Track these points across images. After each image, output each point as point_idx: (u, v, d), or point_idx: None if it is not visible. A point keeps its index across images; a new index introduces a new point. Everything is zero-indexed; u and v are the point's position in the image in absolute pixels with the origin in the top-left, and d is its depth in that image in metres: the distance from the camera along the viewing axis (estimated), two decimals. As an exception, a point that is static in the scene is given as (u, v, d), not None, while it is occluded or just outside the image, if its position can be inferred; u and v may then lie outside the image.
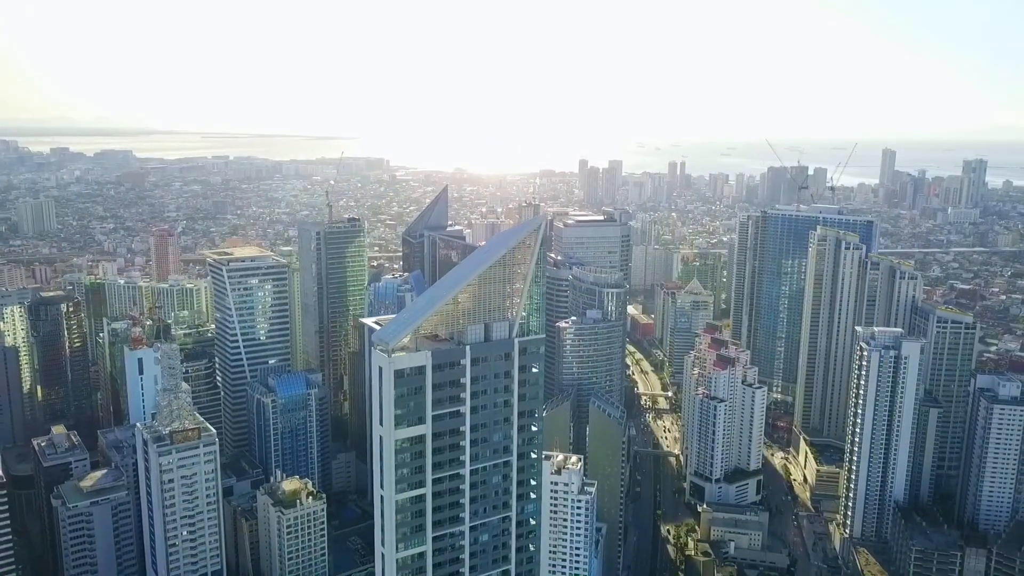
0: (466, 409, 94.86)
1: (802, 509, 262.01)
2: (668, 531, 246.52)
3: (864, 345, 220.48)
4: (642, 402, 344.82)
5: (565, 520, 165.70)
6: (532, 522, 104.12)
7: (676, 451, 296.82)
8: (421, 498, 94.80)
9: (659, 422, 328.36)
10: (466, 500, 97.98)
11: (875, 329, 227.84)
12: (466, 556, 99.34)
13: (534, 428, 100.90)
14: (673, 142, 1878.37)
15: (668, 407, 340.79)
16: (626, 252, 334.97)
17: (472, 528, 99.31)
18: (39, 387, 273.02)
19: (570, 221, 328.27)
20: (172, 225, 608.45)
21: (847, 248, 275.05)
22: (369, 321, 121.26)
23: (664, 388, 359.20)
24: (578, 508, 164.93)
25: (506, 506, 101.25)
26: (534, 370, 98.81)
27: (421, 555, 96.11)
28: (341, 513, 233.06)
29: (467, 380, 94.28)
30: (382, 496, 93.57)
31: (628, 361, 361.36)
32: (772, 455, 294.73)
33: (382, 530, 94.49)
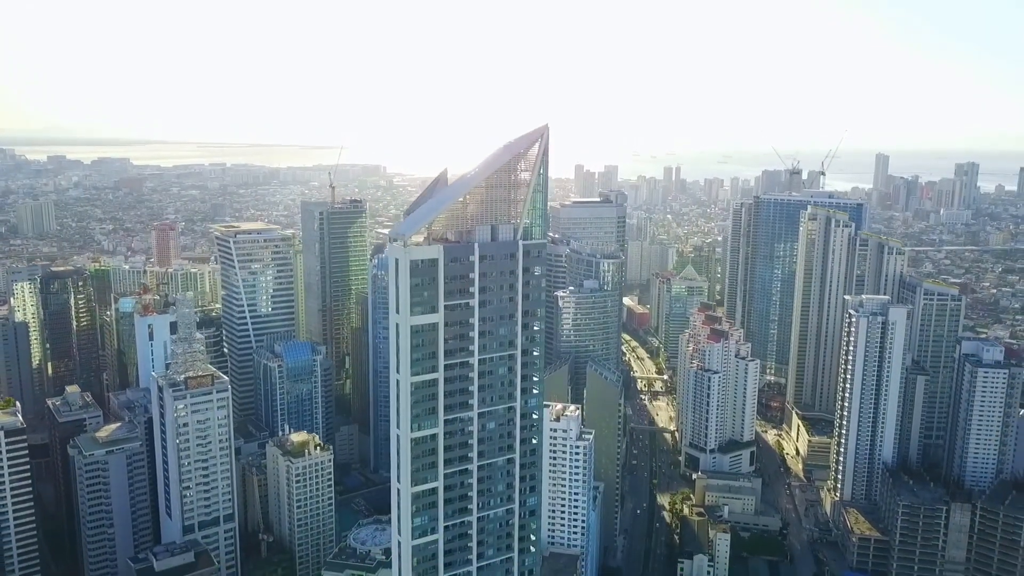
0: (475, 303, 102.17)
1: (794, 479, 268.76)
2: (664, 499, 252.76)
3: (853, 312, 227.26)
4: (638, 385, 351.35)
5: (564, 465, 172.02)
6: (535, 416, 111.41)
7: (671, 428, 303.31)
8: (434, 382, 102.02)
9: (655, 403, 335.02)
10: (475, 388, 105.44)
11: (863, 297, 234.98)
12: (474, 441, 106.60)
13: (535, 328, 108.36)
14: (669, 151, 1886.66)
15: (663, 390, 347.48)
16: (622, 232, 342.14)
17: (480, 415, 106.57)
18: (48, 363, 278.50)
19: (568, 202, 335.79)
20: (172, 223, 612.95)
21: (837, 226, 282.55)
22: (384, 230, 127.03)
23: (660, 372, 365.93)
24: (576, 453, 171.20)
25: (511, 397, 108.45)
26: (536, 272, 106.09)
27: (433, 436, 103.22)
28: (344, 481, 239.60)
29: (475, 276, 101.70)
30: (398, 380, 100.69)
31: (624, 348, 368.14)
32: (765, 432, 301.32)
33: (398, 412, 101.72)
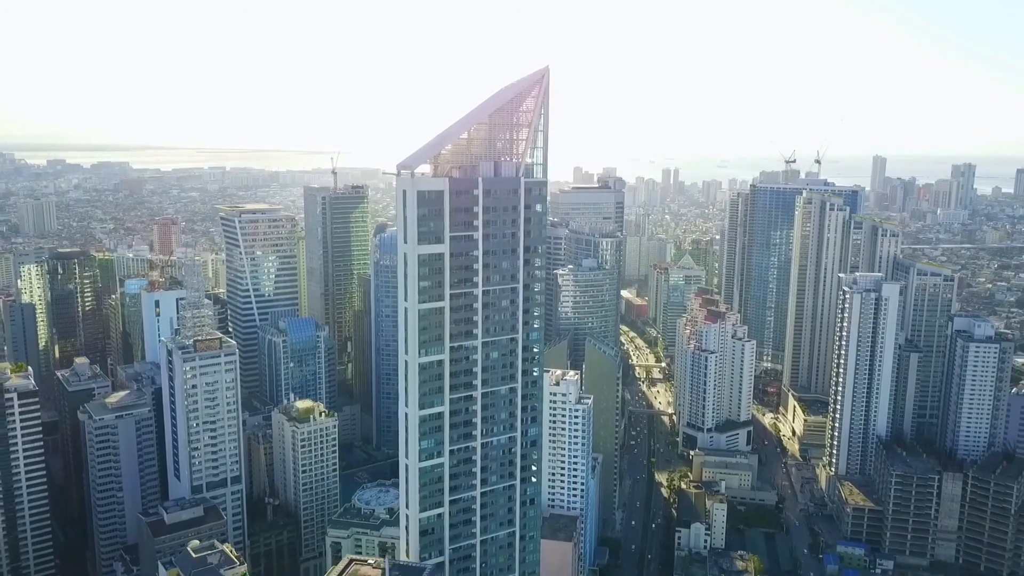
0: (479, 236, 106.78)
1: (791, 458, 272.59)
2: (661, 477, 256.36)
3: (846, 289, 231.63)
4: (636, 372, 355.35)
5: (563, 428, 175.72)
6: (535, 349, 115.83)
7: (669, 411, 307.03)
8: (440, 311, 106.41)
9: (652, 390, 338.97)
10: (479, 318, 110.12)
11: (857, 275, 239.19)
12: (478, 369, 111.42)
13: (537, 264, 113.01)
14: (667, 156, 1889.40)
15: (661, 376, 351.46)
16: (620, 216, 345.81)
17: (484, 344, 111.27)
18: (55, 345, 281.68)
19: (567, 188, 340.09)
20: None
21: (832, 210, 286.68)
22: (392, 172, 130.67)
23: (658, 360, 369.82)
24: (576, 417, 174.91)
25: (513, 328, 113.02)
26: (538, 209, 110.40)
27: (439, 363, 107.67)
28: (347, 457, 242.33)
29: (479, 209, 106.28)
30: (406, 308, 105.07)
31: (623, 339, 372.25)
32: (763, 416, 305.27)
33: (405, 340, 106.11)
